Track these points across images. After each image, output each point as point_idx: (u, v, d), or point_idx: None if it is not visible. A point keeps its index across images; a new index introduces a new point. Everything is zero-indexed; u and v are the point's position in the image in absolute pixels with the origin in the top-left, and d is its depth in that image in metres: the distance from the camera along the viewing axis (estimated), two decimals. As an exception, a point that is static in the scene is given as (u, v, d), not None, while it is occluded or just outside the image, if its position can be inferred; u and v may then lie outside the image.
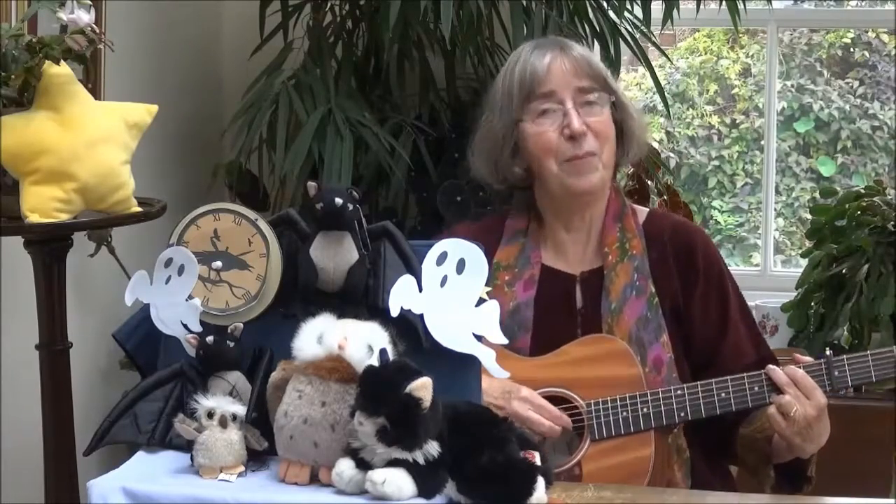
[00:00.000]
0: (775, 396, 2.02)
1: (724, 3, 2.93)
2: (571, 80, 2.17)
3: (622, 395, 2.06)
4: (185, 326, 1.69)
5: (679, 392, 2.06)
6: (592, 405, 2.07)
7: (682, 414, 2.06)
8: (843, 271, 3.25)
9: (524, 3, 2.81)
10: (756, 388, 2.05)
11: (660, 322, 2.14)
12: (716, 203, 4.74)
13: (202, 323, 1.68)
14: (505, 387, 2.04)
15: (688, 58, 4.81)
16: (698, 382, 2.08)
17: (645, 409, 2.05)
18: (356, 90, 2.99)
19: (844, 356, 2.05)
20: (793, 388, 2.02)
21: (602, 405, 2.06)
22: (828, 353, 2.06)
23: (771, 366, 2.06)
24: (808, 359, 2.08)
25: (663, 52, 3.21)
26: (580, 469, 2.04)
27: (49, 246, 1.85)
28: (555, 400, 2.08)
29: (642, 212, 2.27)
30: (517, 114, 2.19)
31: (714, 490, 2.13)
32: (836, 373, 2.04)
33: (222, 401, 1.61)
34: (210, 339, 1.64)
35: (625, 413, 2.05)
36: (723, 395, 2.05)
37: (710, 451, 2.18)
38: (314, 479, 1.56)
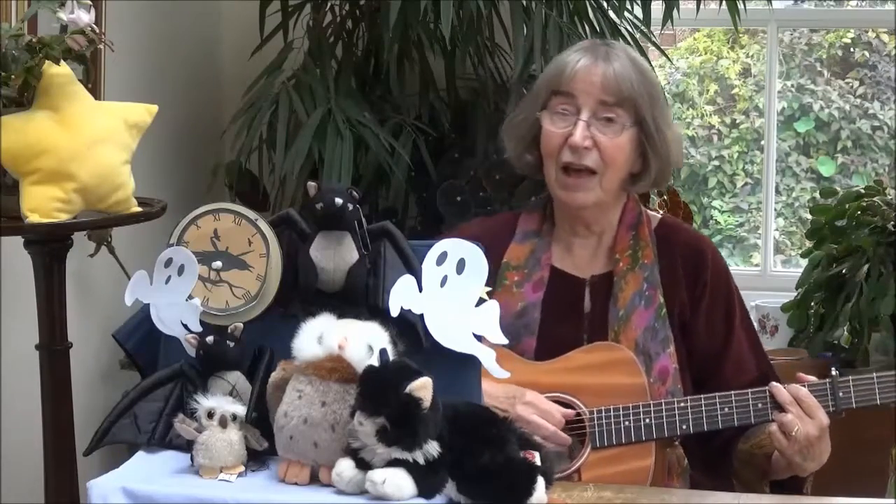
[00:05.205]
0: (777, 414, 2.01)
1: (724, 3, 2.93)
2: (596, 91, 2.11)
3: (625, 405, 2.05)
4: (185, 326, 1.69)
5: (682, 404, 2.05)
6: (595, 413, 2.06)
7: (685, 426, 2.04)
8: (843, 271, 3.25)
9: (524, 3, 2.81)
10: (759, 405, 2.03)
11: (667, 333, 2.13)
12: (716, 203, 4.74)
13: (202, 323, 1.68)
14: (510, 390, 2.04)
15: (688, 58, 4.81)
16: (702, 396, 2.06)
17: (647, 420, 2.04)
18: (356, 90, 2.99)
19: (850, 377, 2.04)
20: (795, 406, 2.00)
21: (605, 413, 2.05)
22: (833, 373, 2.05)
23: (774, 383, 2.04)
24: (812, 378, 2.06)
25: (663, 52, 3.21)
26: (579, 476, 2.03)
27: (49, 246, 1.85)
28: (558, 406, 2.07)
29: (654, 218, 2.25)
30: (541, 104, 2.17)
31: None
32: (841, 393, 2.02)
33: (222, 401, 1.61)
34: (210, 339, 1.64)
35: (626, 422, 2.04)
36: (726, 409, 2.04)
37: (706, 463, 2.16)
38: (314, 479, 1.56)
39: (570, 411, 2.06)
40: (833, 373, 2.05)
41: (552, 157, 2.15)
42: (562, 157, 2.13)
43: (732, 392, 2.05)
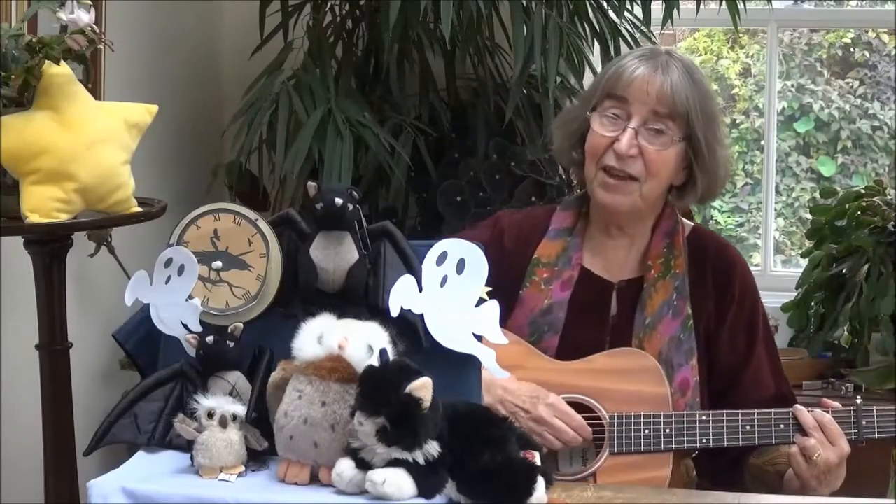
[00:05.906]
0: (800, 437, 2.00)
1: (724, 3, 2.93)
2: (650, 101, 2.10)
3: (647, 413, 2.04)
4: (185, 326, 1.69)
5: (704, 418, 2.04)
6: (615, 418, 2.04)
7: (705, 440, 2.03)
8: (843, 271, 3.25)
9: (524, 3, 2.81)
10: (782, 426, 2.02)
11: (692, 345, 2.12)
12: (716, 203, 4.73)
13: (202, 323, 1.68)
14: (533, 390, 2.03)
15: (688, 58, 4.81)
16: (724, 411, 2.05)
17: (668, 430, 2.03)
18: (356, 90, 2.99)
19: (874, 407, 2.04)
20: (819, 432, 2.00)
21: (625, 419, 2.04)
22: (858, 401, 2.04)
23: (798, 406, 2.04)
24: (837, 405, 2.05)
25: (663, 52, 3.21)
26: (594, 481, 2.02)
27: (49, 246, 1.85)
28: (578, 408, 2.06)
29: (687, 226, 2.23)
30: (593, 104, 2.16)
31: None
32: (864, 422, 2.02)
33: (222, 401, 1.61)
34: (210, 339, 1.64)
35: (647, 431, 2.03)
36: (748, 427, 2.03)
37: (716, 475, 2.15)
38: (314, 479, 1.56)
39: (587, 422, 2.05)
40: (858, 401, 2.04)
41: (594, 158, 2.13)
42: (604, 159, 2.12)
43: (756, 410, 2.04)
